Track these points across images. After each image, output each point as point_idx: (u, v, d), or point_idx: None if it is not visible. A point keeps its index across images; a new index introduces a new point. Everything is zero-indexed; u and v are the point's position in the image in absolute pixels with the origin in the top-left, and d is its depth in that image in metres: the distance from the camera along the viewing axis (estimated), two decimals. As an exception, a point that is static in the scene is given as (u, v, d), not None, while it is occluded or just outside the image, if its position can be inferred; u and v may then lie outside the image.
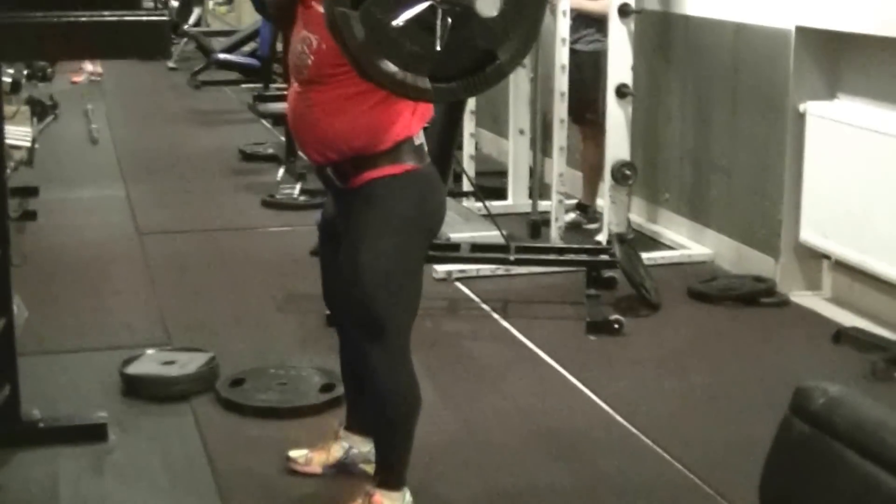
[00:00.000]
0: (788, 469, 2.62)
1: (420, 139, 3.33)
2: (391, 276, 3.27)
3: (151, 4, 3.71)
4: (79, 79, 13.32)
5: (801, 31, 5.53)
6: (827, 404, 2.50)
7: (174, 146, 9.69)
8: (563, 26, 6.13)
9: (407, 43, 2.80)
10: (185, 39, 14.79)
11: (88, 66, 13.31)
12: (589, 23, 6.45)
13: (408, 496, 3.50)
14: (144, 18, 3.51)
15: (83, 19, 3.41)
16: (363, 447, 3.74)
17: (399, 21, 2.76)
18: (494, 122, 8.60)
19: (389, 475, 3.46)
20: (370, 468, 3.66)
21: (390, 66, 2.82)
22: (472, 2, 2.68)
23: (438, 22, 2.76)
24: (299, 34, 3.36)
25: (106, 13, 3.42)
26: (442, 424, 4.23)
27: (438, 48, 2.78)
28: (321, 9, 3.06)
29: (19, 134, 7.04)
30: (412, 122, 3.28)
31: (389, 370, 3.36)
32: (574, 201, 6.97)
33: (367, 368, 3.38)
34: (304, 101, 3.34)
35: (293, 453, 3.81)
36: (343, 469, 3.77)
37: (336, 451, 3.78)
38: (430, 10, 2.76)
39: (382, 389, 3.38)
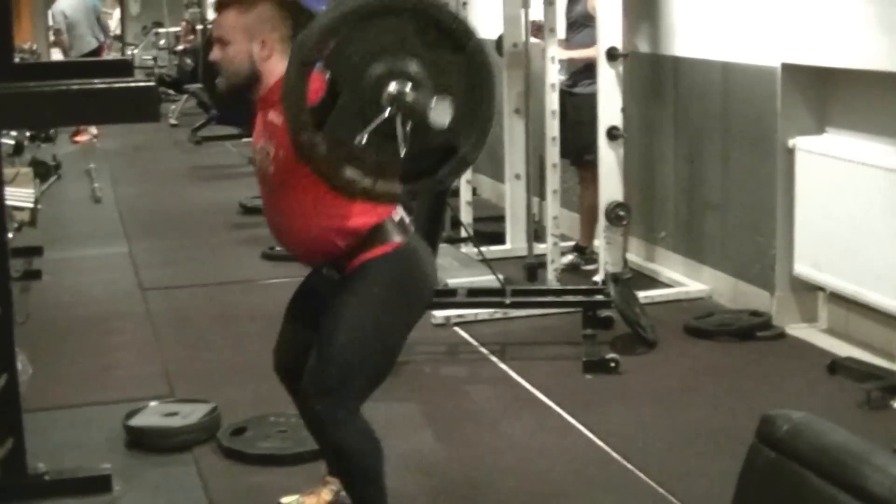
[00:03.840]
0: (756, 495, 2.67)
1: (399, 213, 3.38)
2: (366, 352, 3.30)
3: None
4: (81, 139, 13.48)
5: (787, 67, 5.61)
6: (791, 431, 2.55)
7: (176, 202, 9.79)
8: (552, 73, 6.23)
9: (373, 154, 2.91)
10: (186, 97, 14.96)
11: (93, 129, 13.48)
12: (584, 69, 6.55)
13: None
14: (133, 85, 3.62)
15: (75, 87, 3.52)
16: None
17: (361, 138, 2.87)
18: (492, 167, 8.69)
19: None
20: None
21: (361, 178, 2.95)
22: (425, 116, 2.76)
23: (398, 130, 2.86)
24: (257, 144, 3.45)
25: (96, 81, 3.53)
26: (441, 466, 4.28)
27: (402, 154, 2.88)
28: (277, 120, 3.19)
29: (22, 195, 7.14)
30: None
31: (343, 430, 3.34)
32: (572, 243, 7.04)
33: (320, 427, 3.38)
34: (276, 210, 3.43)
35: (285, 500, 3.84)
36: (336, 511, 3.81)
37: (326, 495, 3.83)
38: (389, 121, 2.86)
39: (340, 447, 3.38)
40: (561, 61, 6.41)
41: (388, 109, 2.85)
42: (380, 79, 2.87)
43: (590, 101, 6.40)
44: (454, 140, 2.95)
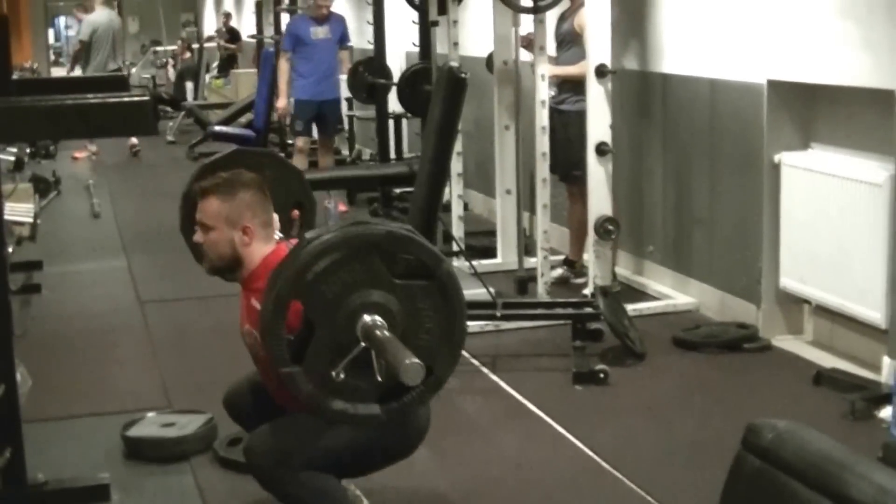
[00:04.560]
0: (741, 503, 2.75)
1: None
2: (331, 448, 3.34)
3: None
4: (81, 155, 13.57)
5: (772, 84, 5.69)
6: (776, 439, 2.62)
7: (174, 218, 9.73)
8: (542, 90, 6.32)
9: (350, 381, 3.02)
10: (183, 113, 15.05)
11: (92, 146, 13.58)
12: (573, 85, 6.64)
13: None
14: (126, 99, 3.69)
15: (69, 102, 3.58)
16: (354, 489, 3.85)
17: (339, 370, 2.98)
18: (483, 183, 8.77)
19: None
20: None
21: (340, 405, 3.07)
22: (397, 373, 2.81)
23: (374, 358, 2.96)
24: (244, 327, 3.56)
25: (90, 95, 3.60)
26: (433, 478, 4.35)
27: (380, 379, 2.98)
28: (259, 307, 3.25)
29: (22, 210, 7.23)
30: None
31: (287, 488, 3.35)
32: (562, 257, 7.13)
33: (267, 486, 3.40)
34: (274, 385, 3.48)
35: None
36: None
37: None
38: (365, 351, 2.96)
39: (286, 499, 3.39)
40: (550, 79, 6.51)
41: (362, 343, 2.96)
42: (353, 312, 2.98)
43: (577, 119, 6.49)
44: (429, 361, 2.99)
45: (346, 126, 12.15)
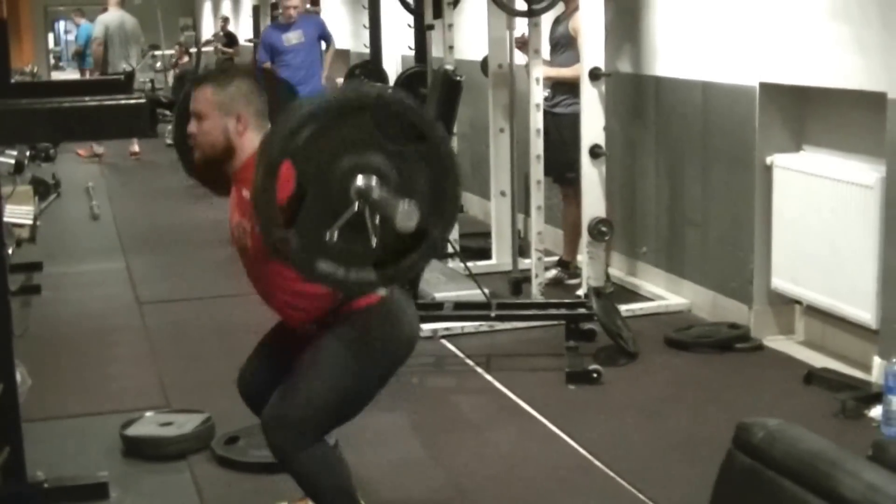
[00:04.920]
0: (732, 501, 2.78)
1: None
2: (334, 403, 3.37)
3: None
4: (85, 153, 13.66)
5: (764, 87, 5.73)
6: (766, 438, 2.65)
7: (172, 219, 9.92)
8: (536, 93, 6.37)
9: (345, 244, 2.99)
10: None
11: (99, 148, 13.67)
12: (566, 88, 6.69)
13: None
14: (123, 102, 3.73)
15: (66, 105, 3.63)
16: None
17: (332, 233, 2.96)
18: (478, 185, 8.82)
19: None
20: None
21: (335, 270, 3.02)
22: (393, 220, 2.85)
23: (368, 221, 2.95)
24: (233, 219, 3.53)
25: (87, 98, 3.64)
26: (427, 475, 4.40)
27: (374, 244, 2.97)
28: (250, 196, 3.23)
29: (22, 213, 7.28)
30: None
31: (300, 461, 3.39)
32: (556, 258, 7.18)
33: (279, 458, 3.43)
34: (258, 279, 3.53)
35: None
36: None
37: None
38: (358, 214, 2.95)
39: (299, 476, 3.44)
40: (544, 81, 6.56)
41: (357, 203, 2.94)
42: (346, 173, 2.95)
43: (571, 121, 6.53)
44: (424, 225, 3.01)
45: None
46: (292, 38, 9.79)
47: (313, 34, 9.96)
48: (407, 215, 2.81)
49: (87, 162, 13.70)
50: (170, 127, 15.18)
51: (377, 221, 2.94)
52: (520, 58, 6.78)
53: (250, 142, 3.43)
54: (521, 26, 6.61)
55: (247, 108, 3.48)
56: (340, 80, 10.46)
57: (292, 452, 3.36)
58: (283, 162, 2.94)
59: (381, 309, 3.42)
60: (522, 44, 6.61)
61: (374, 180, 2.93)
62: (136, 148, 13.77)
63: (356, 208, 2.94)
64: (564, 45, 6.74)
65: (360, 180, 2.94)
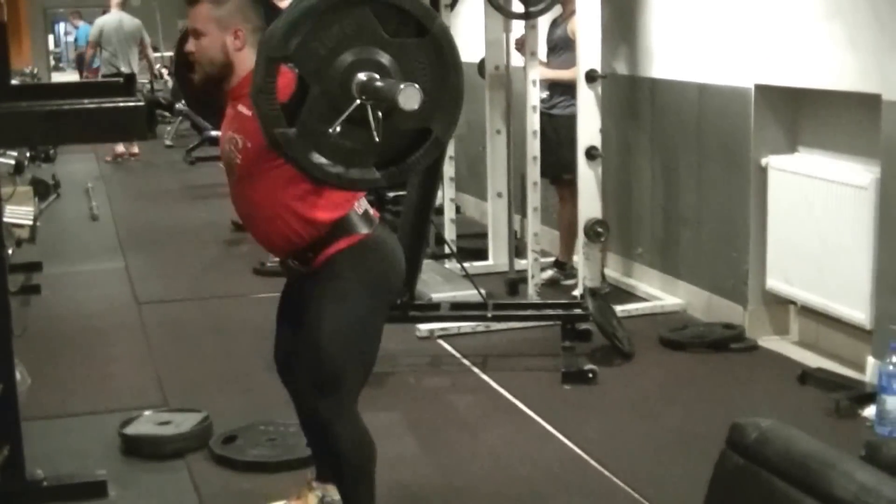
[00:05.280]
0: (726, 500, 2.81)
1: (363, 206, 3.48)
2: (350, 342, 3.40)
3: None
4: (121, 151, 13.72)
5: (759, 88, 5.76)
6: (759, 438, 2.68)
7: (170, 220, 9.94)
8: (533, 94, 6.40)
9: (348, 142, 2.96)
10: (180, 118, 15.10)
11: (133, 147, 13.73)
12: (564, 90, 6.72)
13: None
14: (121, 105, 3.75)
15: (65, 107, 3.65)
16: (335, 495, 3.86)
17: (335, 128, 2.93)
18: (475, 186, 8.84)
19: None
20: None
21: (338, 168, 3.00)
22: (395, 101, 2.81)
23: (370, 117, 2.92)
24: (226, 134, 3.52)
25: (86, 101, 3.67)
26: (423, 472, 4.43)
27: (377, 140, 2.94)
28: (246, 111, 3.28)
29: (22, 213, 7.31)
30: (348, 194, 3.41)
31: (343, 424, 3.46)
32: (552, 259, 7.21)
33: (321, 424, 3.49)
34: (242, 198, 3.53)
35: None
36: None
37: (312, 500, 3.94)
38: (360, 109, 2.91)
39: (338, 442, 3.48)
40: (541, 82, 6.59)
41: (359, 99, 2.90)
42: (347, 69, 2.91)
43: (568, 123, 6.55)
44: (427, 122, 3.00)
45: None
46: None
47: None
48: (409, 95, 2.77)
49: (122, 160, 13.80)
50: (168, 129, 15.30)
51: (380, 116, 2.91)
52: (517, 60, 6.81)
53: (248, 58, 3.38)
54: (519, 29, 6.64)
55: (244, 23, 3.48)
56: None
57: (335, 419, 3.42)
58: (282, 59, 2.92)
59: (366, 247, 3.44)
60: (522, 45, 6.63)
61: (375, 76, 2.91)
62: (121, 149, 13.81)
63: (358, 103, 2.91)
64: (563, 48, 6.76)
65: (361, 75, 2.91)
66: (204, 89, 3.62)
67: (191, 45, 3.54)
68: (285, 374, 3.83)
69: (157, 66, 16.68)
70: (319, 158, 2.98)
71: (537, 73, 6.43)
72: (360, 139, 2.95)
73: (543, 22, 6.68)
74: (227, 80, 3.51)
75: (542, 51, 6.68)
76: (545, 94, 6.73)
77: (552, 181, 6.95)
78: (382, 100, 2.87)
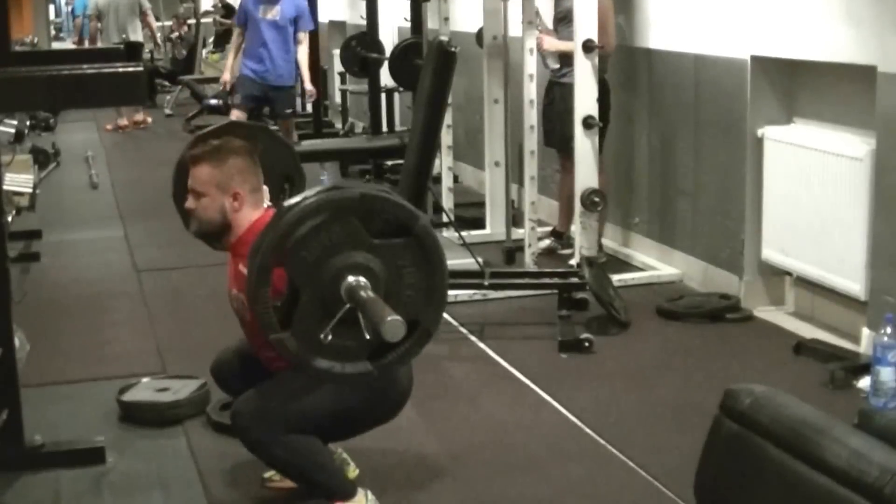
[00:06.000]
0: (720, 465, 2.83)
1: None
2: (315, 410, 3.51)
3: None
4: (123, 123, 13.68)
5: (756, 60, 5.77)
6: (753, 404, 2.71)
7: (170, 188, 9.92)
8: (530, 64, 6.41)
9: (339, 342, 3.13)
10: (180, 87, 15.10)
11: (122, 121, 13.71)
12: (572, 59, 6.72)
13: (369, 495, 3.70)
14: (121, 70, 3.78)
15: (65, 72, 3.67)
16: (342, 453, 3.96)
17: (327, 334, 3.09)
18: (473, 155, 8.86)
19: (334, 495, 3.63)
20: (350, 471, 3.90)
21: (328, 364, 3.18)
22: (382, 333, 2.90)
23: (361, 317, 3.05)
24: (232, 291, 3.66)
25: (85, 66, 3.69)
26: (420, 440, 4.46)
27: (368, 337, 3.07)
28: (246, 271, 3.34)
29: (21, 181, 7.34)
30: None
31: (271, 450, 3.53)
32: (549, 228, 7.23)
33: (249, 445, 3.57)
34: (259, 347, 3.61)
35: (268, 473, 3.99)
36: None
37: None
38: (351, 310, 3.06)
39: (272, 462, 3.60)
40: (552, 53, 6.59)
41: (348, 304, 3.06)
42: (336, 274, 3.08)
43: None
44: (415, 315, 3.14)
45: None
46: (268, 12, 9.36)
47: (287, 16, 9.45)
48: (393, 329, 2.88)
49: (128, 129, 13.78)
50: (168, 97, 15.29)
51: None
52: (514, 29, 6.81)
53: (246, 218, 3.61)
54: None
55: (242, 185, 3.62)
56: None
57: (263, 445, 3.52)
58: (273, 269, 3.10)
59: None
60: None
61: (362, 281, 3.06)
62: (124, 122, 13.75)
63: (347, 307, 3.06)
64: (571, 19, 6.73)
65: (349, 280, 3.06)
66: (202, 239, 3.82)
67: (189, 204, 3.67)
68: (218, 380, 4.02)
69: (158, 34, 16.66)
70: (315, 360, 3.18)
71: (533, 41, 6.42)
72: (351, 336, 3.12)
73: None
74: (224, 235, 3.67)
75: (548, 20, 6.69)
76: (556, 66, 6.74)
77: (559, 150, 6.94)
78: (368, 321, 3.00)
